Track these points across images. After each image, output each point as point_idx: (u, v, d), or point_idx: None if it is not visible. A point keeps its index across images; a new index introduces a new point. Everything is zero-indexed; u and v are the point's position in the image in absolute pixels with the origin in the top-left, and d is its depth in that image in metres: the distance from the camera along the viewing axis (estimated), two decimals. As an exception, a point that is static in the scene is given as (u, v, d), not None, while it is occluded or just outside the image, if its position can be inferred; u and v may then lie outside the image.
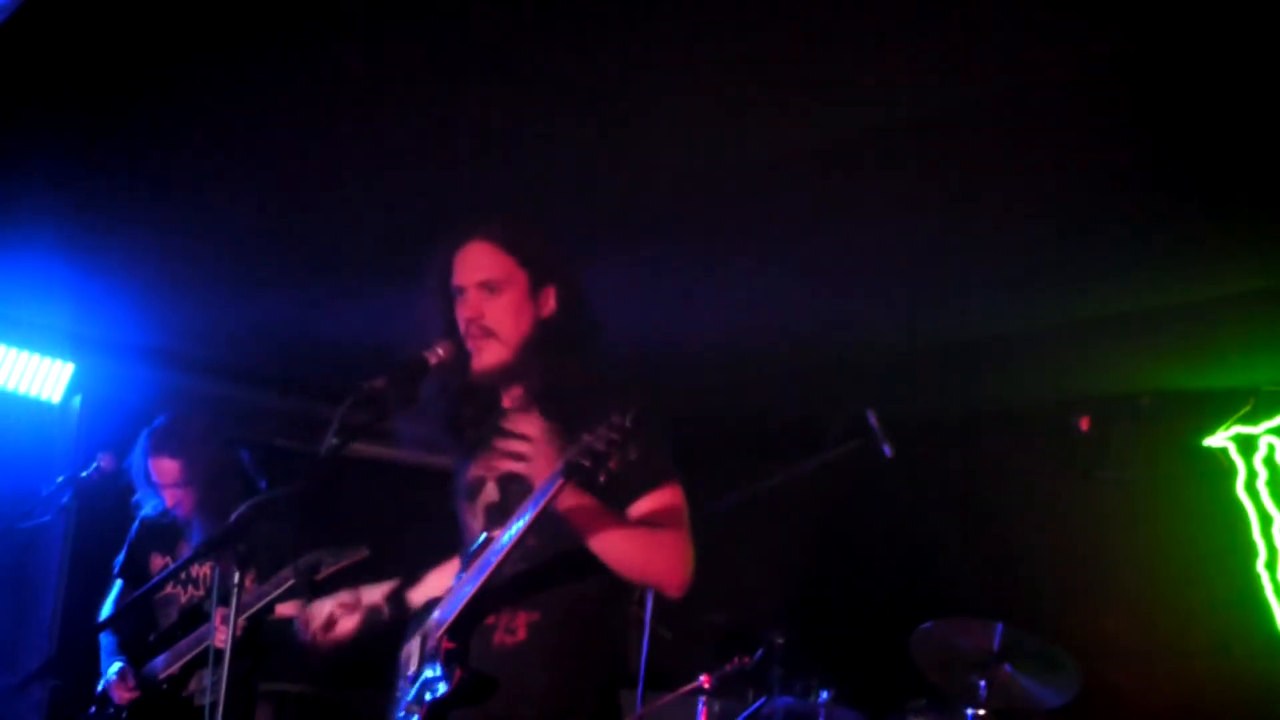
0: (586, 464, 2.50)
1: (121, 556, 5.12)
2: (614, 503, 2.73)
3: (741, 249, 5.11)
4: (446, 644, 2.68)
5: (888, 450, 5.27)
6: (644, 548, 2.71)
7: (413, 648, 2.80)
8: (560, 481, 2.55)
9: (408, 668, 2.79)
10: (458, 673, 2.65)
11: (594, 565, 2.75)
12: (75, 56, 3.80)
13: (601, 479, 2.55)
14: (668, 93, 3.89)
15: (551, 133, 4.18)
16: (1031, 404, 6.76)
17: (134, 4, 3.53)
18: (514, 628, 2.82)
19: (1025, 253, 4.92)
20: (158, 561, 5.01)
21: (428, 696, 2.69)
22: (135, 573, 5.04)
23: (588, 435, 2.52)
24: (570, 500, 2.63)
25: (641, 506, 2.77)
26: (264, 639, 4.84)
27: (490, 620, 2.83)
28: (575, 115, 4.06)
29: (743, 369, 6.68)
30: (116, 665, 4.81)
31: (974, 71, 3.63)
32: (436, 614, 2.80)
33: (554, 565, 2.83)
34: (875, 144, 4.11)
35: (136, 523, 5.08)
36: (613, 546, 2.69)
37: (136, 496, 5.01)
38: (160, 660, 4.76)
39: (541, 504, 2.59)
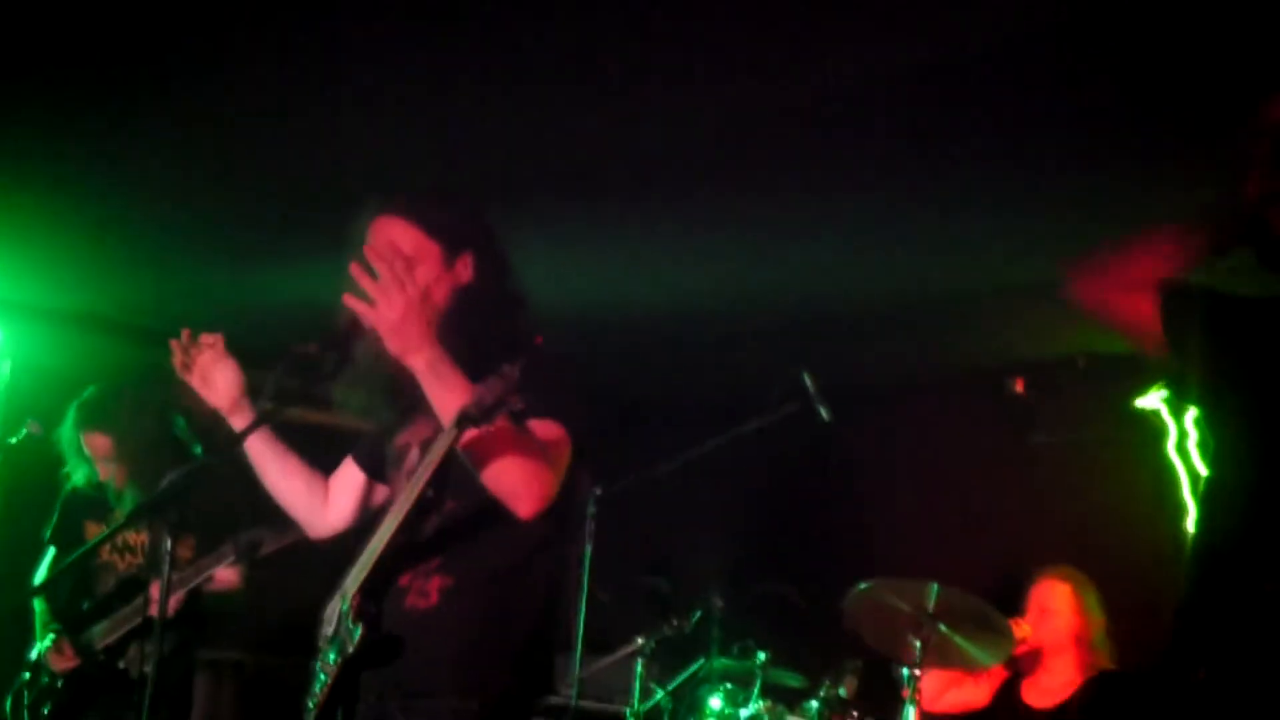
0: (474, 414, 2.53)
1: (53, 523, 5.05)
2: None
3: (677, 211, 5.09)
4: (357, 604, 2.68)
5: (824, 413, 5.29)
6: (506, 458, 2.67)
7: (333, 608, 2.79)
8: (454, 433, 2.58)
9: (327, 628, 2.79)
10: (362, 633, 2.65)
11: (517, 529, 2.75)
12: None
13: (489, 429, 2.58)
14: (620, 50, 3.83)
15: (499, 95, 4.12)
16: (967, 368, 6.81)
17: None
18: (426, 591, 2.81)
19: (961, 218, 4.94)
20: (92, 529, 4.95)
21: (336, 657, 2.69)
22: (68, 540, 4.97)
23: (479, 386, 2.55)
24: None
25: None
26: (203, 609, 4.81)
27: (404, 582, 2.83)
28: (524, 77, 3.99)
29: (682, 333, 6.68)
30: (50, 635, 4.75)
31: (931, 31, 3.60)
32: (351, 574, 2.79)
33: (472, 528, 2.82)
34: (821, 104, 4.08)
35: (67, 490, 5.01)
36: (481, 447, 2.66)
37: (66, 468, 4.94)
38: (98, 629, 4.71)
39: (436, 457, 2.62)
